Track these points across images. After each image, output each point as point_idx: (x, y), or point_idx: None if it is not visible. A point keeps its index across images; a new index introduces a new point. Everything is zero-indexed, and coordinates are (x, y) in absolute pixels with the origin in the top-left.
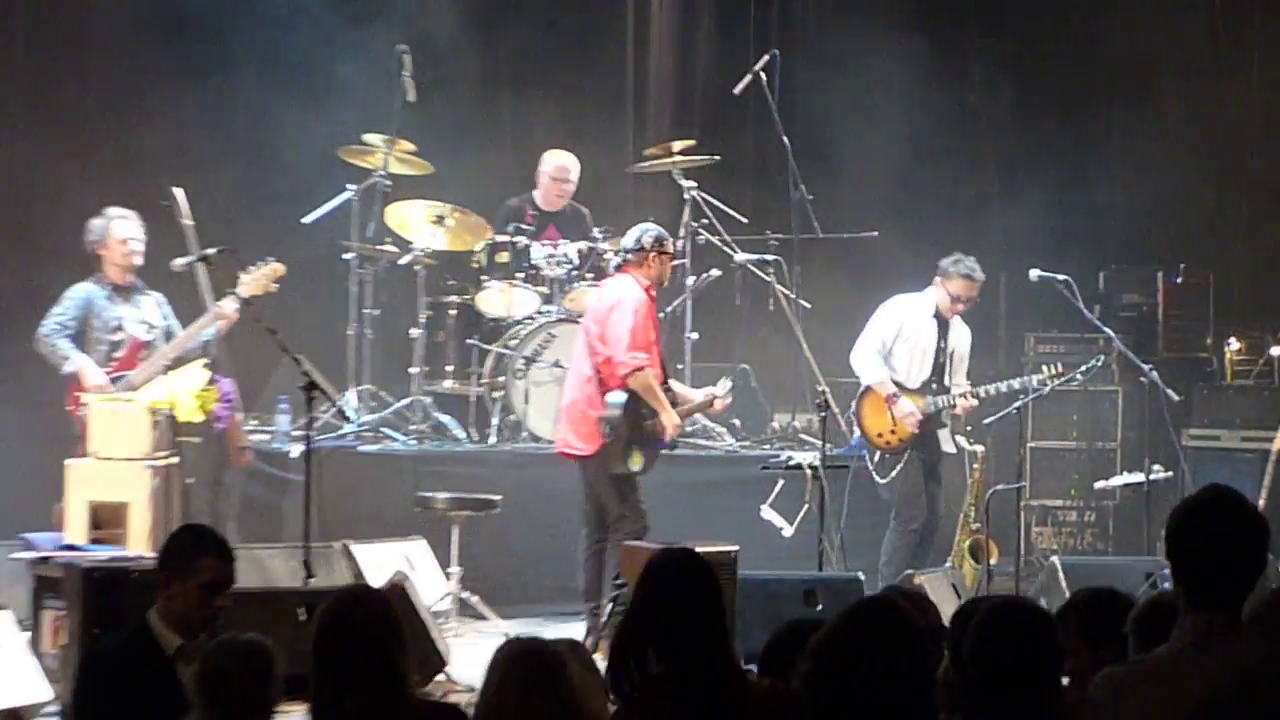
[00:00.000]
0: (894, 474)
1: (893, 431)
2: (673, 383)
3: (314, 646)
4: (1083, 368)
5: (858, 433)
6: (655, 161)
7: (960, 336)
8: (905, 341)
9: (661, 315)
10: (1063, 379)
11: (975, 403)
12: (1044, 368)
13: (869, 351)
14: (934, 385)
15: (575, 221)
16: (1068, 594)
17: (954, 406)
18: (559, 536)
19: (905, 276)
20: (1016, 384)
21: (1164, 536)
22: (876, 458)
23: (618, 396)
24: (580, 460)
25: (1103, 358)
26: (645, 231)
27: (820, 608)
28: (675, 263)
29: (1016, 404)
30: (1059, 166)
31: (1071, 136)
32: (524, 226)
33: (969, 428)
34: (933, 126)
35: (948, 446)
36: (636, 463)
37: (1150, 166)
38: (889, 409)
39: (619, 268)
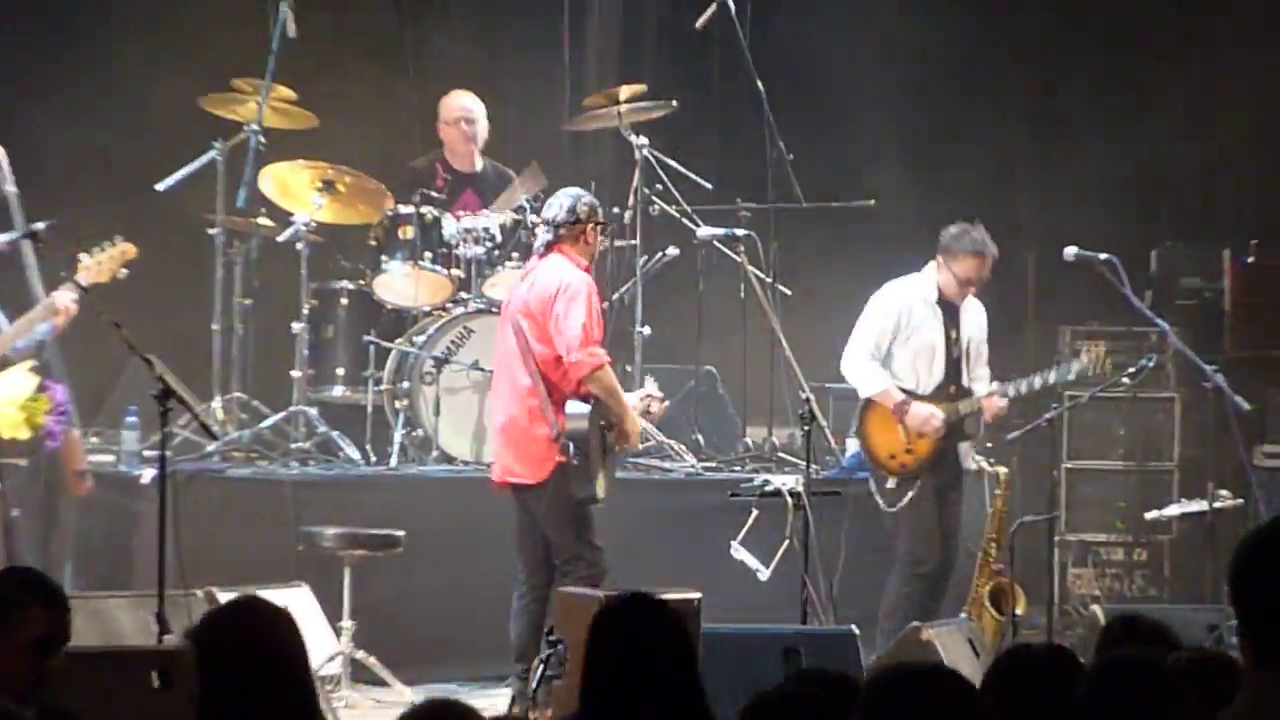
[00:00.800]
0: (904, 502)
1: (909, 450)
2: None
3: (200, 680)
4: (1131, 370)
5: (851, 450)
6: (597, 113)
7: (974, 321)
8: (906, 340)
9: (604, 305)
10: (1105, 384)
11: (1005, 403)
12: (1083, 353)
13: (861, 356)
14: (952, 389)
15: (499, 187)
16: None
17: (979, 410)
18: (481, 581)
19: (911, 255)
20: (1053, 376)
21: (1228, 578)
22: (889, 483)
23: (580, 406)
24: (525, 491)
25: (1156, 357)
26: (578, 198)
27: (804, 668)
28: (625, 242)
29: (1048, 414)
30: (1104, 119)
31: (1120, 81)
32: (434, 194)
33: (989, 444)
34: (946, 68)
35: (969, 463)
36: (601, 486)
37: (1217, 121)
38: (900, 421)
39: (548, 245)
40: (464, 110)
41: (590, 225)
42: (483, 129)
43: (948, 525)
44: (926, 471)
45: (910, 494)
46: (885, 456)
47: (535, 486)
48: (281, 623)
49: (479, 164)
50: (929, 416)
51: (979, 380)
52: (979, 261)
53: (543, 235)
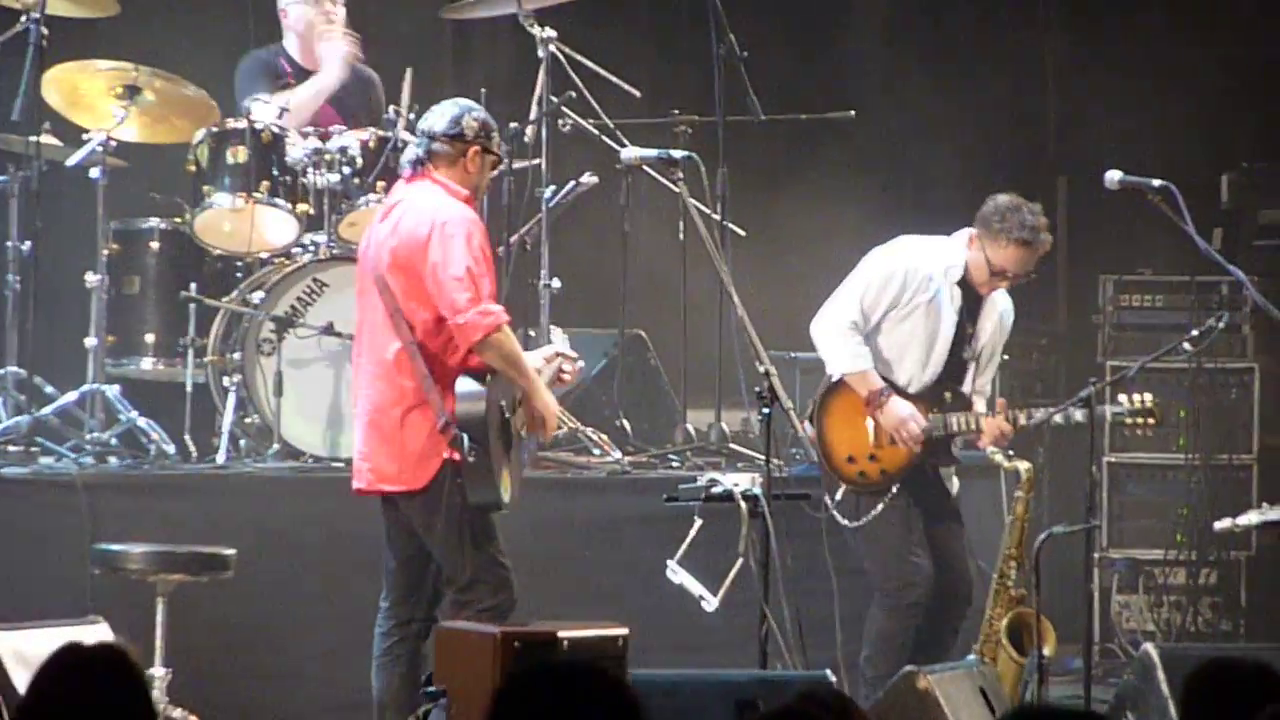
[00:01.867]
0: (869, 518)
1: (873, 456)
2: None
3: None
4: (1194, 333)
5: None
6: (489, 6)
7: (998, 323)
8: (906, 316)
9: (498, 250)
10: (1161, 351)
11: (1010, 429)
12: (1122, 398)
13: (840, 321)
14: (948, 395)
15: (358, 95)
16: (1170, 703)
17: (976, 430)
18: (336, 615)
19: (900, 186)
20: (1078, 416)
21: None
22: (840, 493)
23: (472, 386)
24: (401, 499)
25: (1227, 316)
26: (468, 111)
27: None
28: (527, 163)
29: (1084, 391)
30: (1155, 8)
31: None
32: (270, 100)
33: None
34: None
35: (953, 485)
36: (506, 488)
37: None
38: (871, 414)
39: (417, 167)
40: None
41: (475, 148)
42: (341, 12)
43: (946, 541)
44: (896, 487)
45: (878, 507)
46: (842, 458)
47: (416, 493)
48: (117, 679)
49: (332, 55)
50: (907, 418)
51: (979, 393)
52: (1025, 253)
53: (412, 150)
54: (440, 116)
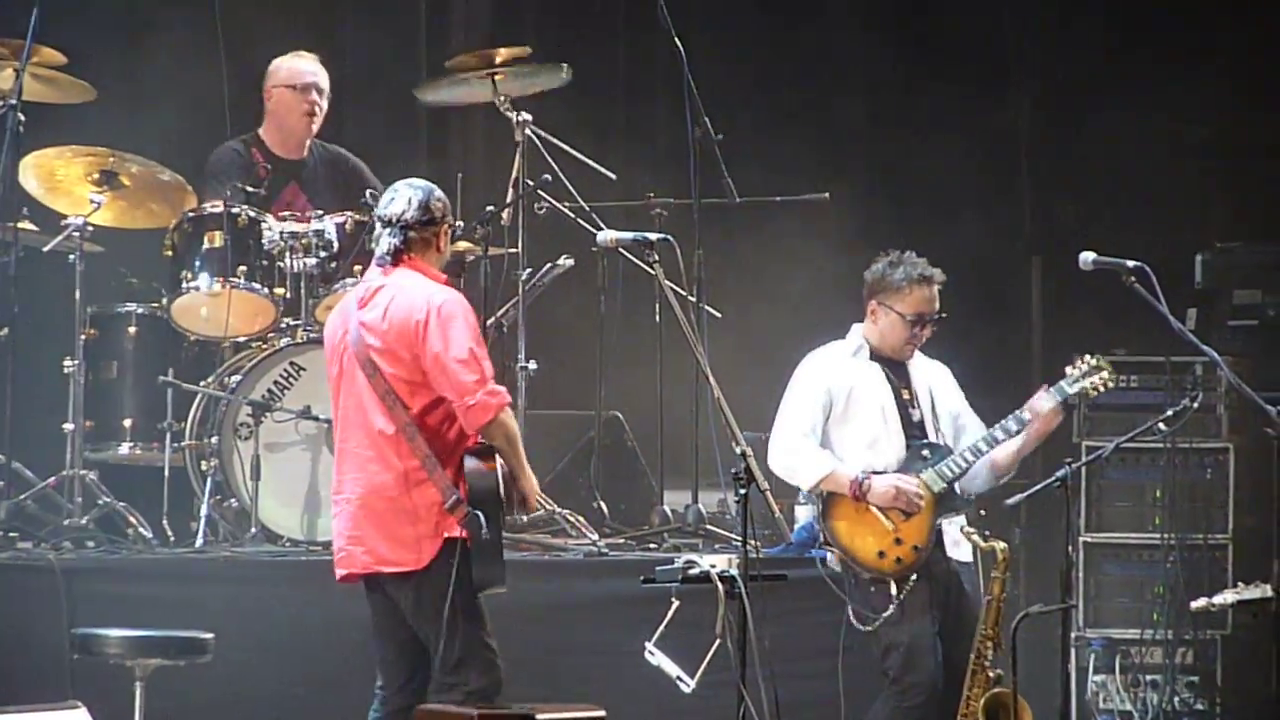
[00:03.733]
0: (891, 610)
1: (898, 540)
2: None
3: None
4: (1169, 413)
5: (802, 520)
6: (464, 78)
7: (932, 378)
8: (845, 415)
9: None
10: (1135, 432)
11: (1052, 404)
12: (1071, 368)
13: (790, 439)
14: (926, 453)
15: (337, 176)
16: None
17: (1024, 425)
18: (315, 699)
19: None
20: (1069, 384)
21: None
22: (874, 589)
23: (479, 461)
24: (387, 582)
25: (1202, 396)
26: (431, 193)
27: None
28: (501, 250)
29: (1060, 471)
30: (1129, 86)
31: (1153, 35)
32: (249, 189)
33: (982, 512)
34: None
35: (960, 553)
36: (502, 569)
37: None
38: (870, 506)
39: (395, 254)
40: (314, 75)
41: (444, 228)
42: (324, 102)
43: (951, 637)
44: (918, 578)
45: (894, 605)
46: (874, 557)
47: (413, 574)
48: None
49: (307, 149)
50: (894, 484)
51: (971, 438)
52: (927, 289)
53: (387, 241)
54: (408, 204)
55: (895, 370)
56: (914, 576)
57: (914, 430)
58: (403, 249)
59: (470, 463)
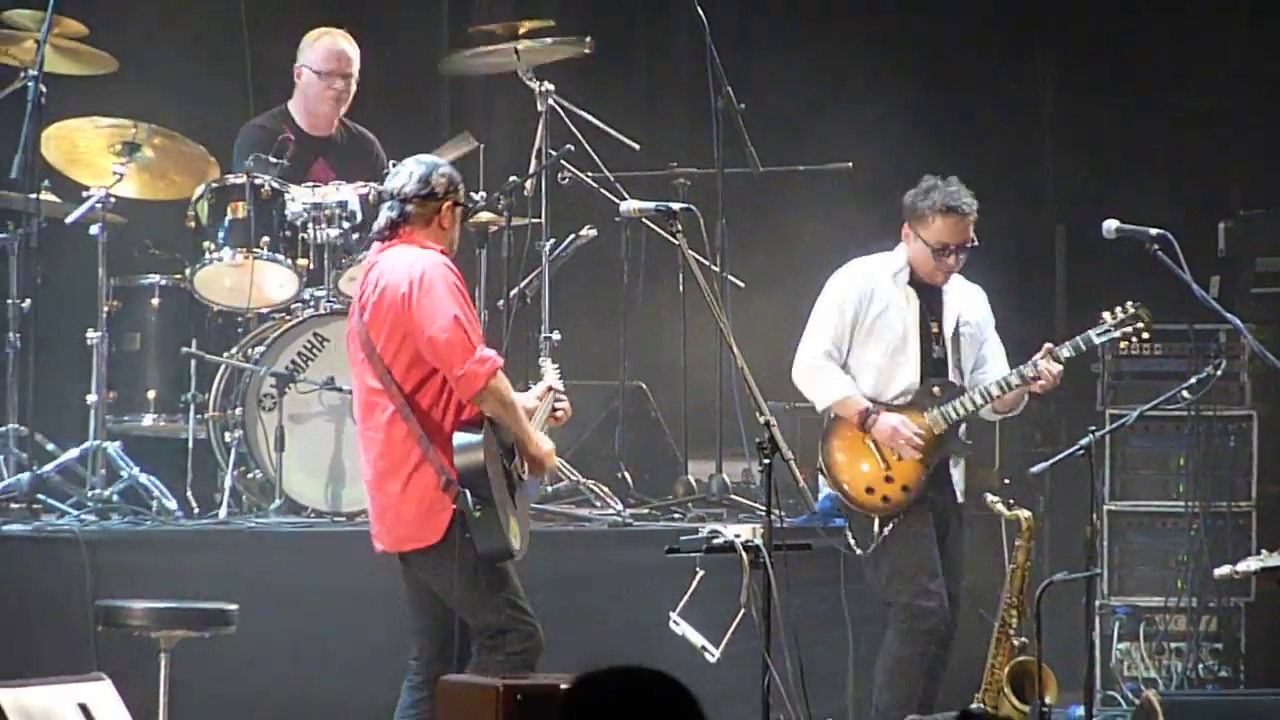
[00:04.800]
0: (883, 536)
1: (889, 478)
2: None
3: None
4: (1192, 380)
5: (826, 490)
6: (488, 50)
7: (964, 305)
8: (870, 331)
9: (499, 303)
10: (1159, 399)
11: (1058, 368)
12: (1115, 311)
13: (814, 356)
14: (936, 390)
15: (357, 153)
16: None
17: (1028, 383)
18: (341, 671)
19: (898, 236)
20: (1099, 332)
21: None
22: (875, 526)
23: (469, 437)
24: (413, 558)
25: (1225, 363)
26: (434, 167)
27: None
28: (524, 221)
29: (1084, 439)
30: (1153, 56)
31: (1177, 2)
32: (274, 159)
33: (1006, 480)
34: None
35: (959, 484)
36: (515, 535)
37: None
38: (871, 439)
39: (392, 227)
40: (340, 59)
41: (448, 204)
42: (354, 82)
43: (949, 564)
44: (914, 504)
45: (890, 527)
46: (862, 492)
47: (430, 549)
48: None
49: (334, 126)
50: (897, 427)
51: (985, 378)
52: (955, 221)
53: (385, 214)
54: (409, 178)
55: (930, 298)
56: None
57: (932, 365)
58: (399, 222)
59: (457, 439)
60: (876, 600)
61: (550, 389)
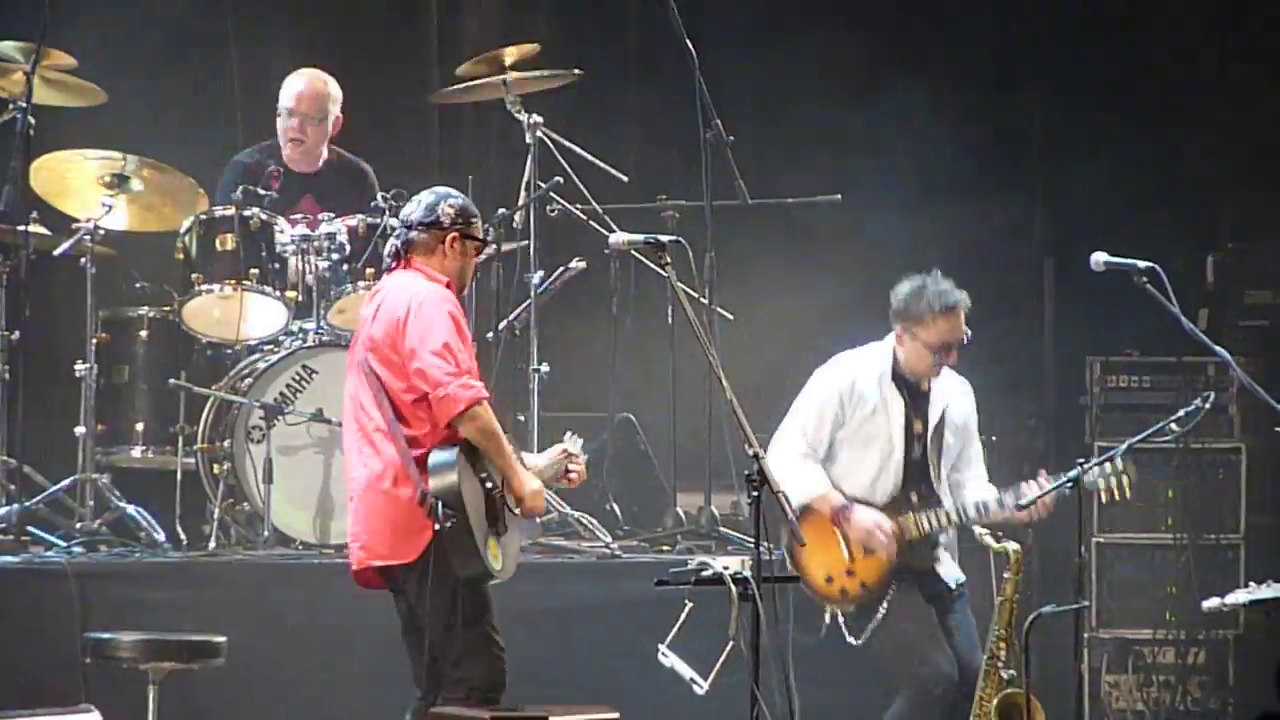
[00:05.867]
0: (874, 626)
1: (850, 572)
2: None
3: None
4: (1181, 413)
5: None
6: (476, 83)
7: (955, 407)
8: (855, 432)
9: (487, 336)
10: (1148, 432)
11: (1045, 494)
12: (1095, 470)
13: (792, 449)
14: (914, 497)
15: (348, 184)
16: None
17: (995, 511)
18: (330, 703)
19: (889, 268)
20: (1046, 487)
21: (1275, 677)
22: (826, 614)
23: (444, 455)
24: (394, 576)
25: (1213, 396)
26: (444, 199)
27: None
28: (513, 245)
29: (1072, 472)
30: (1142, 86)
31: (1164, 35)
32: (262, 192)
33: None
34: (931, 23)
35: (951, 573)
36: (496, 556)
37: None
38: (839, 530)
39: (396, 257)
40: (301, 100)
41: (453, 235)
42: (330, 118)
43: (956, 636)
44: (894, 589)
45: (878, 615)
46: (821, 580)
47: (411, 567)
48: None
49: (321, 160)
50: (874, 526)
51: (971, 484)
52: (953, 318)
53: (391, 242)
54: (417, 205)
55: (915, 398)
56: (890, 591)
57: (914, 469)
58: (403, 250)
59: (433, 457)
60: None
61: (566, 452)
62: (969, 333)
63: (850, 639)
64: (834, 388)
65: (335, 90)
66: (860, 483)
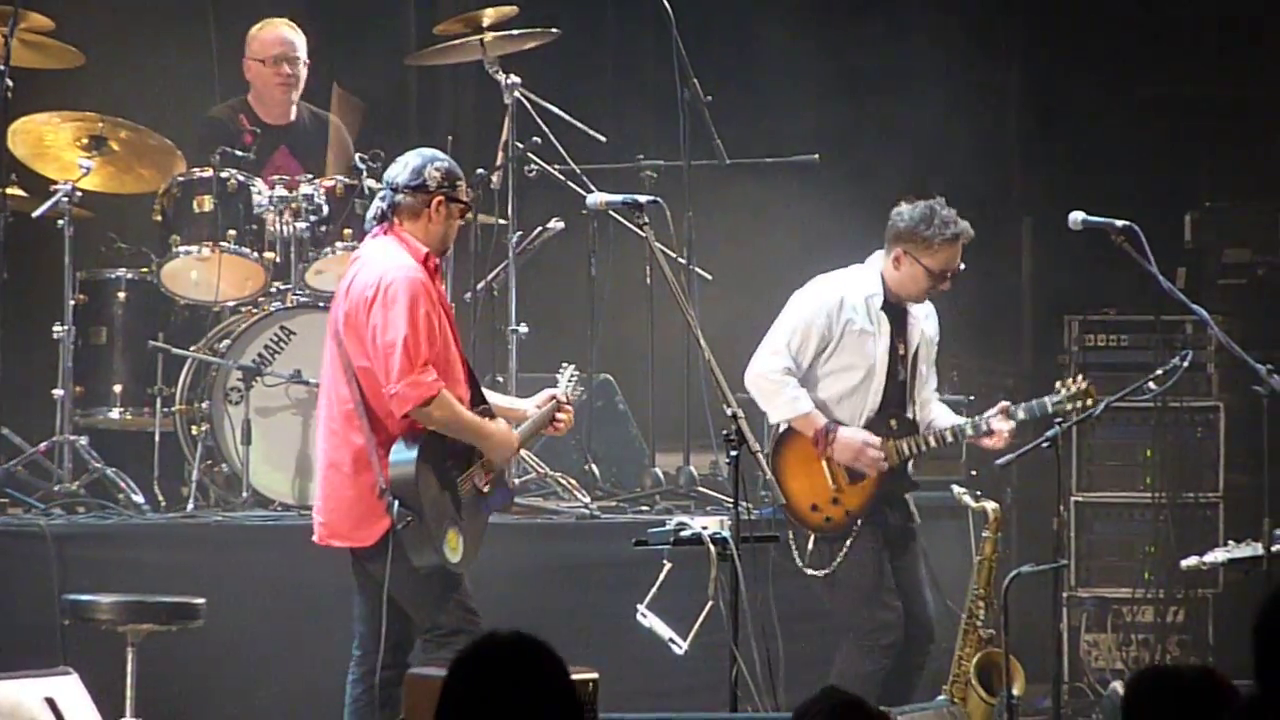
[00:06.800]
0: (839, 561)
1: (835, 500)
2: (492, 395)
3: None
4: (1159, 372)
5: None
6: (453, 44)
7: (927, 331)
8: (837, 352)
9: (465, 296)
10: (1125, 391)
11: (1011, 425)
12: (1060, 385)
13: (773, 369)
14: (892, 422)
15: (320, 136)
16: None
17: (970, 436)
18: (308, 663)
19: (866, 228)
20: (1054, 401)
21: (1253, 631)
22: (810, 543)
23: (403, 453)
24: (363, 556)
25: (1191, 355)
26: (430, 161)
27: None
28: (491, 220)
29: (1051, 430)
30: (1119, 43)
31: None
32: (238, 153)
33: (974, 472)
34: None
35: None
36: (455, 549)
37: (1270, 42)
38: (823, 454)
39: (380, 217)
40: (283, 44)
41: (439, 199)
42: (302, 67)
43: (912, 581)
44: (858, 525)
45: (846, 548)
46: (806, 508)
47: (373, 549)
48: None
49: (294, 113)
50: (862, 444)
51: (925, 405)
52: (957, 248)
53: (376, 203)
54: (403, 168)
55: (898, 323)
56: (858, 525)
57: (894, 393)
58: (388, 213)
59: (394, 452)
60: (811, 598)
61: (553, 398)
62: (962, 265)
63: (812, 571)
64: (820, 305)
65: (301, 37)
66: (840, 406)
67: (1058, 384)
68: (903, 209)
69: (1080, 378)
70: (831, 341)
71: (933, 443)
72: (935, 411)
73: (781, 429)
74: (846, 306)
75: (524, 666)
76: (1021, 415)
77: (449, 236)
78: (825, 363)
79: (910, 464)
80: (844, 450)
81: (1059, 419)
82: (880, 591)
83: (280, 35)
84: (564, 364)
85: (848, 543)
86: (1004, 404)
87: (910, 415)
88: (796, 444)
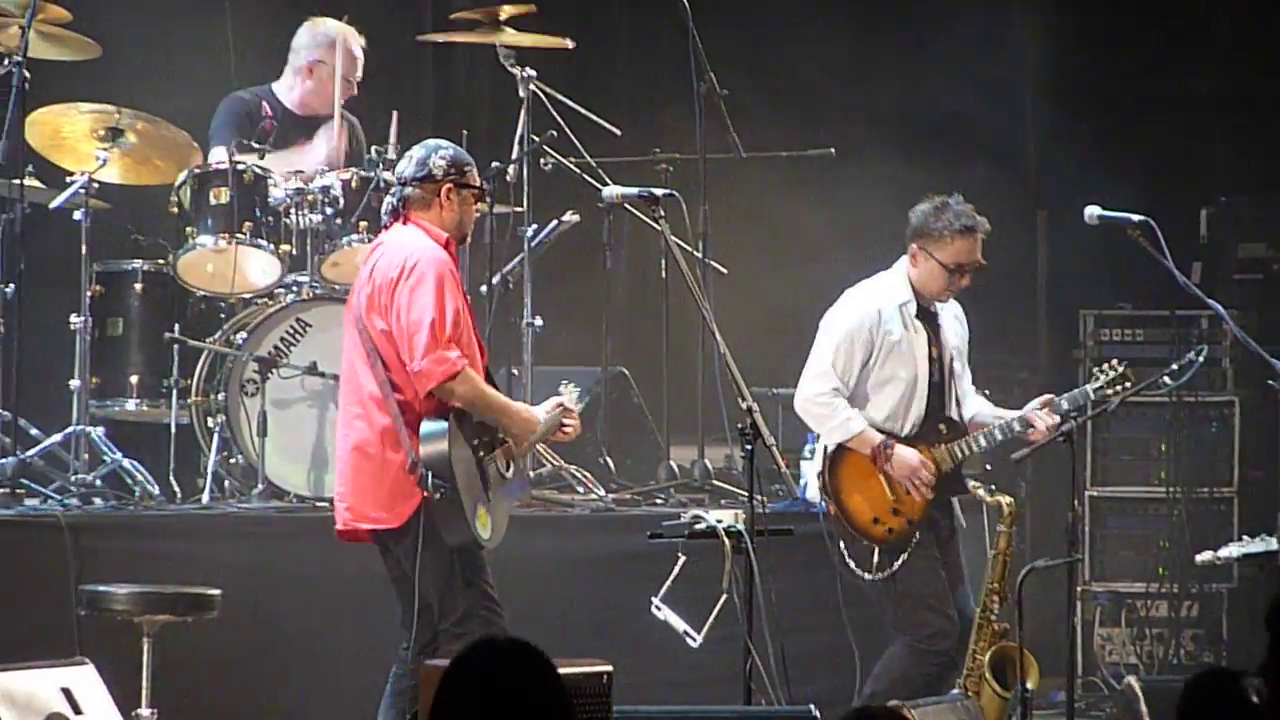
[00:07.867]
0: (896, 566)
1: (895, 511)
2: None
3: None
4: (1173, 366)
5: (808, 475)
6: (468, 34)
7: (956, 331)
8: (882, 364)
9: (481, 289)
10: (1140, 385)
11: (1055, 420)
12: (1099, 371)
13: (821, 391)
14: (943, 428)
15: (339, 135)
16: None
17: (1019, 432)
18: (324, 656)
19: (881, 222)
20: (1095, 388)
21: (1266, 620)
22: (876, 555)
23: (436, 425)
24: (382, 538)
25: (1207, 349)
26: (434, 151)
27: None
28: (506, 210)
29: (1065, 426)
30: (1135, 37)
31: None
32: (254, 145)
33: (988, 466)
34: None
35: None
36: (485, 525)
37: None
38: (881, 469)
39: (393, 212)
40: (357, 66)
41: (448, 185)
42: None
43: (952, 589)
44: (924, 531)
45: (904, 555)
46: (868, 521)
47: (395, 532)
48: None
49: (325, 103)
50: (917, 466)
51: (964, 400)
52: (971, 240)
53: (388, 200)
54: (409, 161)
55: (931, 325)
56: (917, 535)
57: (935, 397)
58: (399, 206)
59: (425, 425)
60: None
61: (561, 405)
62: (984, 262)
63: (865, 575)
64: (859, 319)
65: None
66: (890, 413)
67: (1095, 370)
68: (917, 207)
69: (1116, 361)
70: (874, 354)
71: (983, 443)
72: (976, 406)
73: (831, 448)
74: (884, 318)
75: (515, 674)
76: (1065, 406)
77: (466, 222)
78: (870, 377)
79: (962, 466)
80: (900, 468)
81: (1100, 406)
82: (938, 602)
83: (358, 57)
84: (564, 381)
85: (905, 552)
86: (1047, 396)
87: (955, 416)
88: (850, 460)
